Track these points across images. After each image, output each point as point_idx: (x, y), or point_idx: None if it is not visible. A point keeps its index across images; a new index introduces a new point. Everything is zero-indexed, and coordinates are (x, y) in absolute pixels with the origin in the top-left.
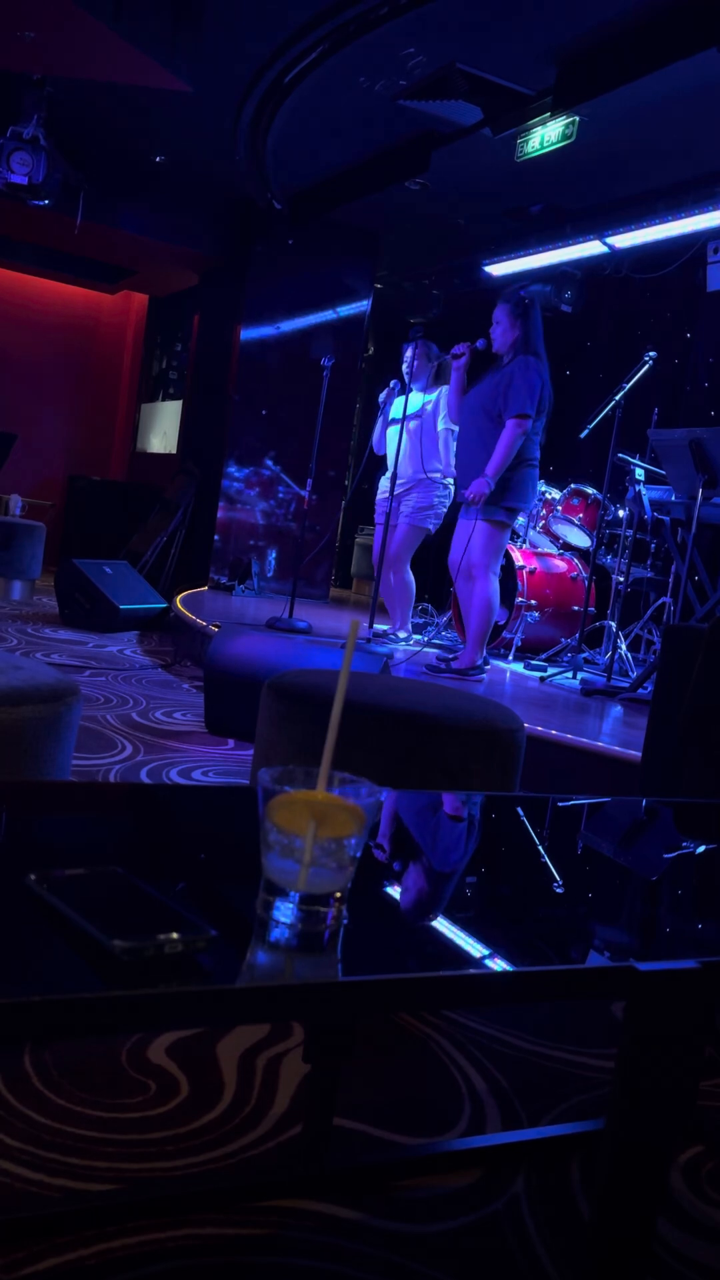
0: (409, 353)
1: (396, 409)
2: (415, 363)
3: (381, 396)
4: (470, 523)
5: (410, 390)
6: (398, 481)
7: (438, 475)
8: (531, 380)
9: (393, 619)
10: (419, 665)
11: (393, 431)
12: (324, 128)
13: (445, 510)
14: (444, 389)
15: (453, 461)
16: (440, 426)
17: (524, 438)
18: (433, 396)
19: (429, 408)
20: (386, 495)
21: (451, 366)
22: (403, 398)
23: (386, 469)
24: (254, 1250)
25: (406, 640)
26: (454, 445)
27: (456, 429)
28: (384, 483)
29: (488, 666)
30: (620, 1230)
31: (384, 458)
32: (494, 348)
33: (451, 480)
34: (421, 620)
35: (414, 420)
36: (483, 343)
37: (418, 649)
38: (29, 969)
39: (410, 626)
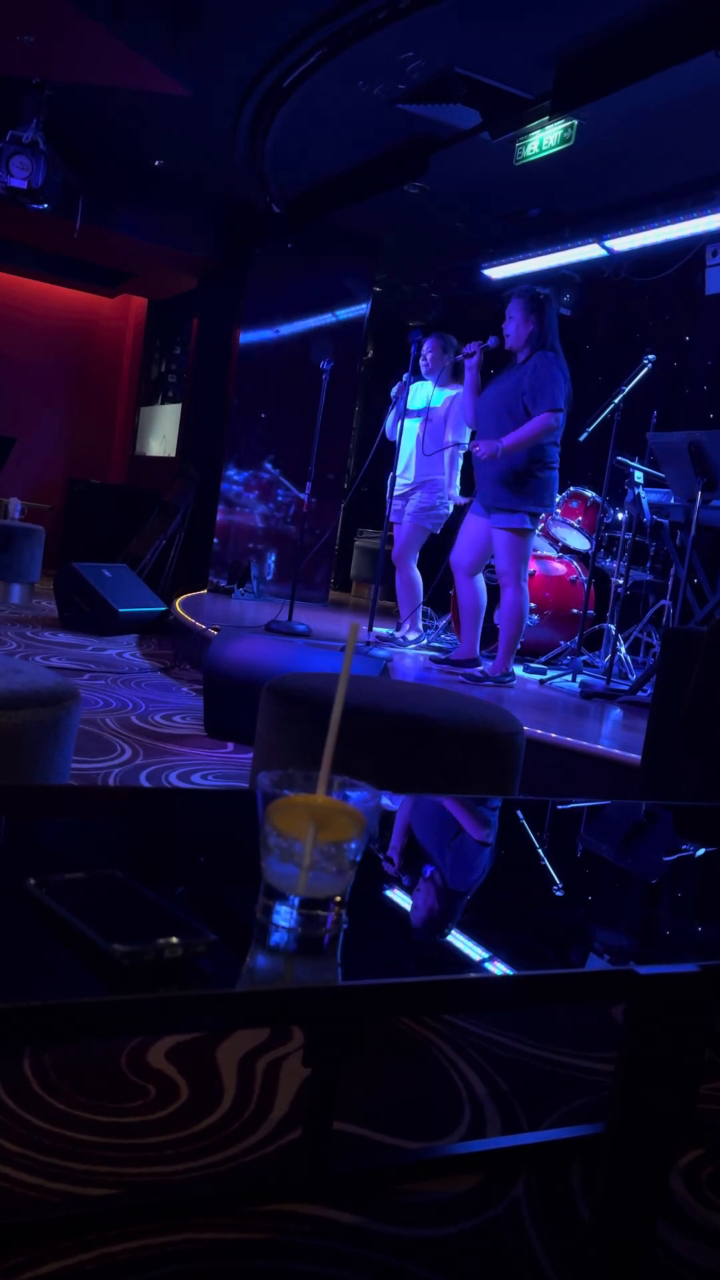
0: (427, 345)
1: (411, 401)
2: (432, 355)
3: (394, 390)
4: (477, 521)
5: (424, 381)
6: (401, 482)
7: (442, 478)
8: (554, 374)
9: (401, 619)
10: (435, 676)
11: (408, 424)
12: (323, 131)
13: (448, 512)
14: (456, 393)
15: (456, 476)
16: (448, 438)
17: (551, 433)
18: (448, 393)
19: (442, 407)
20: (396, 495)
21: (465, 366)
22: (417, 384)
23: (397, 465)
24: (254, 1254)
25: (416, 642)
26: (460, 459)
27: (464, 444)
28: (396, 483)
29: (512, 681)
30: (621, 1234)
31: (394, 444)
32: (507, 345)
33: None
34: (422, 623)
35: (423, 418)
36: (494, 340)
37: (417, 652)
38: (29, 973)
39: (420, 627)
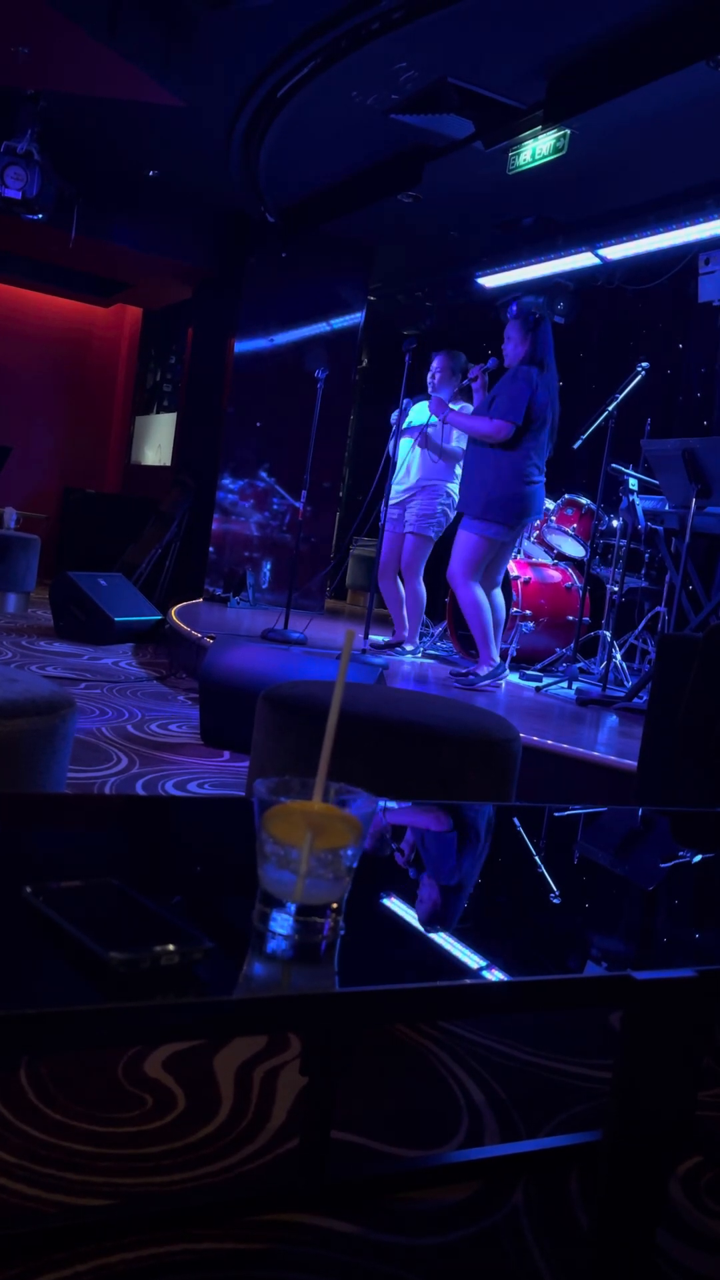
0: (436, 362)
1: (414, 416)
2: (440, 373)
3: (393, 417)
4: (462, 534)
5: (422, 402)
6: (399, 488)
7: (441, 483)
8: (519, 387)
9: (398, 629)
10: (432, 682)
11: (407, 440)
12: (317, 141)
13: (448, 520)
14: (465, 405)
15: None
16: (453, 443)
17: (497, 437)
18: (454, 408)
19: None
20: (393, 503)
21: (472, 390)
22: (421, 403)
23: (394, 473)
24: (252, 1264)
25: (414, 653)
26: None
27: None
28: (393, 489)
29: (504, 673)
30: (620, 1241)
31: (392, 461)
32: (505, 363)
33: (455, 485)
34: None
35: (428, 429)
36: (494, 362)
37: (414, 658)
38: (25, 982)
39: (418, 639)
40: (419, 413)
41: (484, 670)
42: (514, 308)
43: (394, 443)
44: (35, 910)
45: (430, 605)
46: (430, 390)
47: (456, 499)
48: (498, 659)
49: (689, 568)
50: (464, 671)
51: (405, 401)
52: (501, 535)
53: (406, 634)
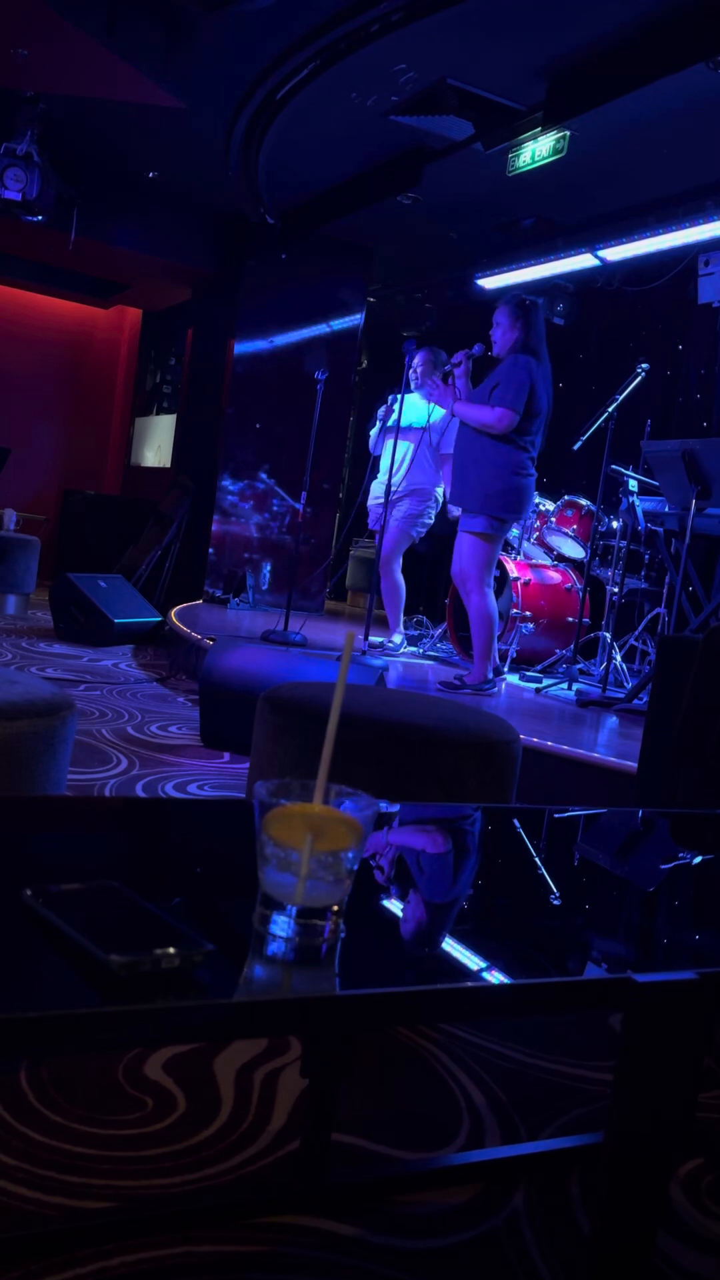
0: (417, 358)
1: (406, 416)
2: (422, 369)
3: (380, 412)
4: (465, 536)
5: (413, 392)
6: (392, 490)
7: (429, 487)
8: (519, 377)
9: (390, 624)
10: (431, 684)
11: (402, 435)
12: (316, 143)
13: (431, 522)
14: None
15: (445, 486)
16: (444, 451)
17: (499, 427)
18: (441, 411)
19: (433, 419)
20: (379, 502)
21: (455, 375)
22: (411, 397)
23: (378, 474)
24: (253, 1267)
25: (402, 644)
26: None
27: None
28: (375, 488)
29: (501, 680)
30: (620, 1244)
31: (378, 460)
32: (494, 351)
33: (441, 489)
34: (416, 633)
35: (415, 430)
36: (479, 348)
37: (413, 660)
38: (25, 985)
39: (403, 630)
40: (413, 410)
41: (472, 681)
42: (522, 297)
43: (378, 438)
44: (35, 913)
45: (431, 605)
46: (413, 386)
47: (440, 501)
48: (490, 675)
49: (689, 569)
50: (456, 682)
51: (391, 397)
52: (501, 530)
53: (392, 626)
